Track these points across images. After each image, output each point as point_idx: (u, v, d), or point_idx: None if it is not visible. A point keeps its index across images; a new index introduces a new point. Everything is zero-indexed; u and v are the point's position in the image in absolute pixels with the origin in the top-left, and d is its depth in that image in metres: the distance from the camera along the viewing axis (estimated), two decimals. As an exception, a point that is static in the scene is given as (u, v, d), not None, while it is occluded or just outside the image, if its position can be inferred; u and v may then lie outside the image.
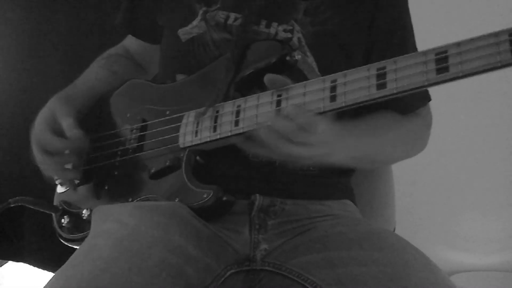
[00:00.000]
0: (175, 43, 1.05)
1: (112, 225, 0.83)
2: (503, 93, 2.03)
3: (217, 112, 0.90)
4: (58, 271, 0.76)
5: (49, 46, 1.79)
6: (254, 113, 0.85)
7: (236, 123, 0.87)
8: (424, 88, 0.73)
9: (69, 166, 1.02)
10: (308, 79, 0.83)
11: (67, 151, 1.01)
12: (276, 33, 0.99)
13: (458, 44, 0.69)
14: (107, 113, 1.11)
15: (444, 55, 0.70)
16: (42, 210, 1.09)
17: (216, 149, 0.92)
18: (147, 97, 1.06)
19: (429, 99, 1.09)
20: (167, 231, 0.80)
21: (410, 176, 2.05)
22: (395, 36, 1.06)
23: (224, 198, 0.89)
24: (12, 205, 1.06)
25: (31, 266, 1.81)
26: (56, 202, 1.12)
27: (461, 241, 2.28)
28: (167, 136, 0.97)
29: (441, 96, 1.11)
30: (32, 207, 1.08)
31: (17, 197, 1.07)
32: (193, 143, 0.92)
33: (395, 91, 0.74)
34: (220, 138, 0.89)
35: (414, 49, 1.08)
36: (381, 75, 0.75)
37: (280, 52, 0.90)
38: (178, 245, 0.79)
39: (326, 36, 1.01)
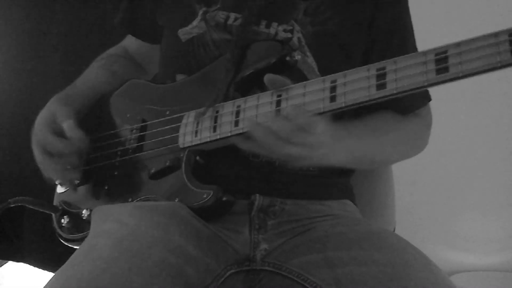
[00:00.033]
0: (175, 43, 1.05)
1: (112, 225, 0.83)
2: (503, 93, 2.03)
3: (217, 112, 0.90)
4: (58, 271, 0.76)
5: (49, 46, 1.79)
6: (254, 113, 0.85)
7: (236, 123, 0.87)
8: (424, 88, 0.73)
9: (69, 166, 1.02)
10: (308, 79, 0.83)
11: (67, 152, 1.01)
12: (276, 33, 0.99)
13: (458, 44, 0.69)
14: (107, 113, 1.11)
15: (444, 55, 0.70)
16: (42, 210, 1.09)
17: (216, 149, 0.92)
18: (147, 97, 1.06)
19: (429, 99, 1.09)
20: (167, 231, 0.80)
21: (410, 176, 2.05)
22: (395, 36, 1.06)
23: (224, 198, 0.89)
24: (12, 205, 1.06)
25: (31, 266, 1.80)
26: (56, 202, 1.12)
27: (461, 241, 2.27)
28: (167, 136, 0.97)
29: (441, 96, 1.11)
30: (32, 207, 1.08)
31: (17, 197, 1.07)
32: (193, 143, 0.92)
33: (395, 92, 0.74)
34: (220, 138, 0.89)
35: (414, 49, 1.08)
36: (381, 75, 0.75)
37: (280, 52, 0.90)
38: (178, 245, 0.79)
39: (326, 36, 1.01)
